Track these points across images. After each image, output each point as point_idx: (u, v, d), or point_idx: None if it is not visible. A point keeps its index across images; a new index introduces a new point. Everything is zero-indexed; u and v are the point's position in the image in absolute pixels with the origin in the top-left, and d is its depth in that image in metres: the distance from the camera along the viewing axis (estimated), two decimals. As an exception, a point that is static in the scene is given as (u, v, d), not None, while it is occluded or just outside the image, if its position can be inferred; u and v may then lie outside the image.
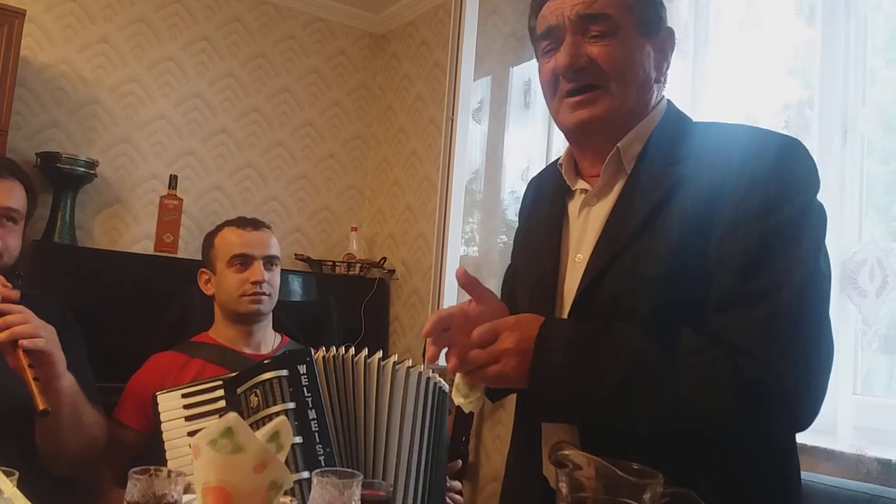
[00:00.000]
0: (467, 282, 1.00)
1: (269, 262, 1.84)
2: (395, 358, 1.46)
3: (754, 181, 0.96)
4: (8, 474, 0.82)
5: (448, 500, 1.54)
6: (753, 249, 0.93)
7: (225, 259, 1.82)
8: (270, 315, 1.88)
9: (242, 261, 1.80)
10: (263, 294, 1.79)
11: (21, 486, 0.83)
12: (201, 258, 1.92)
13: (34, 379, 1.24)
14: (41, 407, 1.21)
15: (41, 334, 1.30)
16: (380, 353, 1.48)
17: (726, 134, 1.04)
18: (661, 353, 0.91)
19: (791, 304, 0.90)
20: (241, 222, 1.88)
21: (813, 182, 0.98)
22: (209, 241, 1.89)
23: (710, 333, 0.92)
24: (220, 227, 1.91)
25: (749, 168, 0.97)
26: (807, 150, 0.99)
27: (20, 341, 1.26)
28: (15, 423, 1.34)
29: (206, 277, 1.87)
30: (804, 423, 0.92)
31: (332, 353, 1.47)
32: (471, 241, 3.10)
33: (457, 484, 1.60)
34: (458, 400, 1.02)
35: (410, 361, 1.46)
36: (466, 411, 1.04)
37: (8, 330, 1.27)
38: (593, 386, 0.92)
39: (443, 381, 1.47)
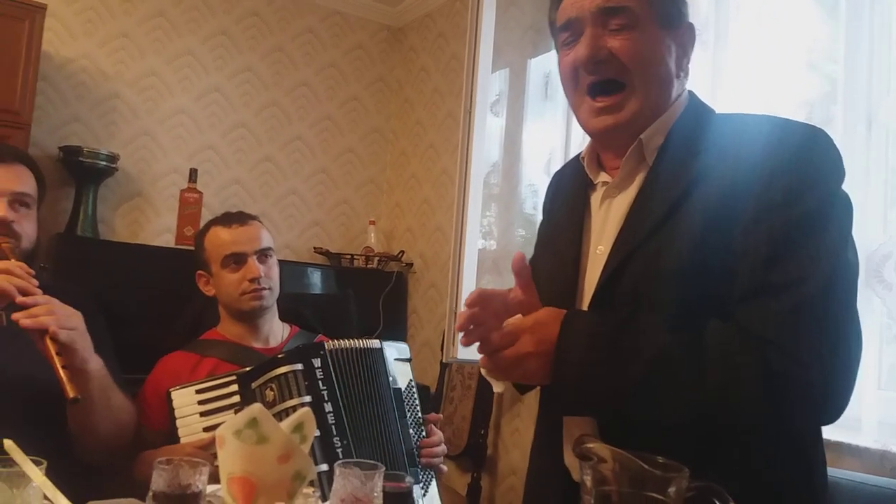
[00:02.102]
0: (522, 267, 1.02)
1: (263, 254, 1.80)
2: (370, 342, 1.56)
3: (777, 171, 0.95)
4: (36, 463, 0.83)
5: (426, 455, 1.55)
6: (778, 240, 0.92)
7: (218, 260, 1.78)
8: (275, 307, 1.85)
9: (236, 259, 1.77)
10: (263, 289, 1.76)
11: (49, 473, 0.84)
12: (194, 260, 1.86)
13: (63, 367, 1.25)
14: (71, 395, 1.22)
15: (67, 323, 1.31)
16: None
17: (748, 124, 1.03)
18: (686, 345, 0.91)
19: (817, 296, 0.89)
20: (227, 219, 1.83)
21: (837, 171, 0.97)
22: (199, 243, 1.85)
23: (735, 325, 0.92)
24: (206, 228, 1.86)
25: (771, 158, 0.96)
26: (830, 139, 0.98)
27: (49, 329, 1.27)
28: (44, 410, 1.36)
29: (205, 280, 1.84)
30: (832, 416, 0.91)
31: (337, 345, 1.49)
32: (488, 234, 3.10)
33: (436, 437, 1.59)
34: (488, 377, 1.04)
35: (362, 342, 1.56)
36: (495, 390, 1.06)
37: (34, 318, 1.28)
38: (617, 381, 0.92)
39: (375, 343, 1.57)
